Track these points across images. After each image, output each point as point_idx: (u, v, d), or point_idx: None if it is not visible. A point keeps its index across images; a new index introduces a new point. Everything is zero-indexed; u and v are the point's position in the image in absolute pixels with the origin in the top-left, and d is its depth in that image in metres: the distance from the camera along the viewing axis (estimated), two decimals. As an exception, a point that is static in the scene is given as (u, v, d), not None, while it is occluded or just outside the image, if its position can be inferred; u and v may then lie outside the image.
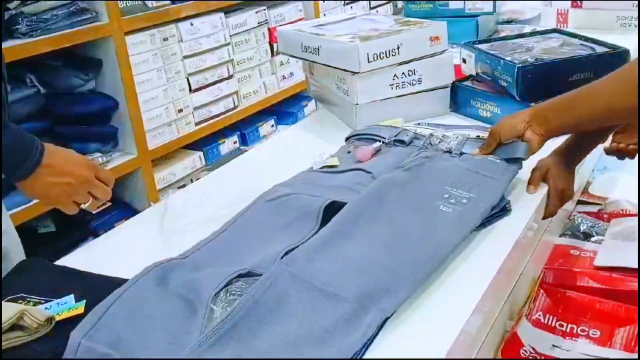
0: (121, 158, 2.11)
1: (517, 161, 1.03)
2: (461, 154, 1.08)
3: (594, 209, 1.46)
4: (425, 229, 0.90)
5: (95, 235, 1.97)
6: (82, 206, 1.06)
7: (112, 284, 0.82)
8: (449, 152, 1.09)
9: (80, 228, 2.08)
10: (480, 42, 1.50)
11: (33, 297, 0.84)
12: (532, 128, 1.01)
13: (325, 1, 3.07)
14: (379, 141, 1.20)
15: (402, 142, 1.17)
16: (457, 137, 1.11)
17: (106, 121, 2.12)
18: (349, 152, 1.22)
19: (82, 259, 1.00)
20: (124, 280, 0.82)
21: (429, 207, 0.94)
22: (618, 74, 0.95)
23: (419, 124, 1.32)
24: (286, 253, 0.85)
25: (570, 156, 1.09)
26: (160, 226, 1.06)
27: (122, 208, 2.17)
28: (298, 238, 0.89)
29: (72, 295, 0.83)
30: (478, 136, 1.11)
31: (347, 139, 1.29)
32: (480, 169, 1.02)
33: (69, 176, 1.01)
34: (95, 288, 0.83)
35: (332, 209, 0.94)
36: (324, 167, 1.17)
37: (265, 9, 2.67)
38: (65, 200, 1.03)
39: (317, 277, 0.78)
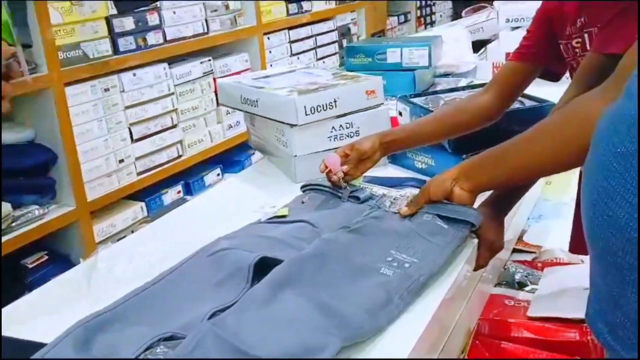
0: (58, 210, 2.05)
1: (466, 225, 1.02)
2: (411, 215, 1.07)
3: (529, 257, 1.49)
4: (363, 291, 0.88)
5: (30, 290, 1.90)
6: None
7: (29, 348, 0.78)
8: (399, 212, 1.08)
9: (15, 283, 1.99)
10: (415, 95, 1.54)
11: (-58, 365, 0.79)
12: (460, 184, 1.03)
13: (272, 52, 3.13)
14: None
15: (357, 198, 1.16)
16: (408, 198, 1.11)
17: (44, 173, 2.07)
18: (302, 202, 1.21)
19: (6, 318, 0.95)
20: (42, 345, 0.78)
21: (370, 270, 0.93)
22: (544, 128, 0.97)
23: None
24: (214, 314, 0.83)
25: (497, 208, 1.11)
26: (87, 286, 1.02)
27: (59, 262, 2.09)
28: (229, 298, 0.87)
29: (-16, 363, 0.79)
30: None
31: (303, 188, 1.27)
32: (428, 234, 1.02)
33: None
34: (11, 353, 0.79)
35: (268, 263, 0.93)
36: (273, 217, 1.16)
37: (210, 60, 2.69)
38: None
39: (244, 339, 0.76)
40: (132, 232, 2.26)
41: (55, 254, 2.13)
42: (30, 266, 2.07)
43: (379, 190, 1.19)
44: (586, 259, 1.40)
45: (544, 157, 0.95)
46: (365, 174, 1.34)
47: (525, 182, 1.14)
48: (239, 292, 0.88)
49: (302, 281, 0.89)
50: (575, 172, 1.46)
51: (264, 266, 0.92)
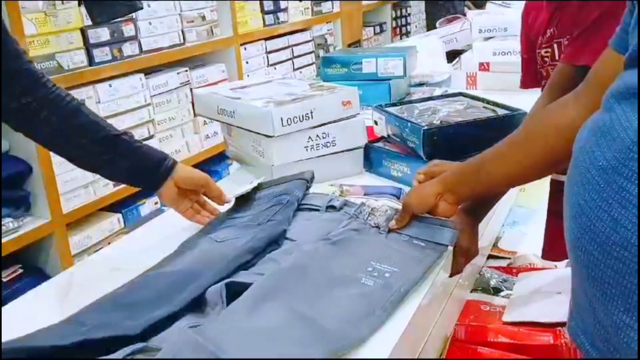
0: (33, 223, 2.03)
1: (442, 246, 1.03)
2: (389, 230, 1.08)
3: (504, 263, 1.51)
4: (344, 303, 0.89)
5: (4, 304, 1.87)
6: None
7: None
8: (377, 227, 1.09)
9: (-12, 298, 1.97)
10: (391, 105, 1.56)
11: None
12: (444, 199, 1.04)
13: (249, 63, 3.13)
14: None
15: (333, 207, 1.18)
16: (386, 211, 1.11)
17: (19, 186, 2.05)
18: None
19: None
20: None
21: (351, 280, 0.94)
22: (520, 137, 0.99)
23: (333, 184, 1.35)
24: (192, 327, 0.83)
25: (472, 215, 1.13)
26: (64, 299, 1.01)
27: (34, 275, 2.07)
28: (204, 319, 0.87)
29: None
30: None
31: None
32: (405, 248, 1.03)
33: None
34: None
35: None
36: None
37: (187, 70, 2.69)
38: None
39: (225, 350, 0.76)
40: (109, 243, 2.24)
41: (30, 267, 2.11)
42: (5, 280, 2.04)
43: (357, 199, 1.20)
44: (559, 264, 1.43)
45: (522, 167, 0.97)
46: (342, 183, 1.36)
47: (506, 189, 1.17)
48: (214, 313, 0.88)
49: (283, 293, 0.89)
50: (548, 179, 1.50)
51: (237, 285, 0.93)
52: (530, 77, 1.40)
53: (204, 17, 2.79)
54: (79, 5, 2.16)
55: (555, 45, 1.20)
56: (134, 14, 2.37)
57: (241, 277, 0.97)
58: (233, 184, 1.59)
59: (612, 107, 0.66)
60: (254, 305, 0.86)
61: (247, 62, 3.11)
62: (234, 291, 0.90)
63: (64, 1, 2.12)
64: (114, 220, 2.34)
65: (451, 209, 1.05)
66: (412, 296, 0.95)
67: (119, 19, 2.30)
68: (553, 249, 1.44)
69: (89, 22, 2.16)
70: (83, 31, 2.19)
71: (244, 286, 0.91)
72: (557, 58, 1.19)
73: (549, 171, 1.03)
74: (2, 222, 1.94)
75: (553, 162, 0.93)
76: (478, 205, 1.16)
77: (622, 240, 0.59)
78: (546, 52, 1.23)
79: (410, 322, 0.91)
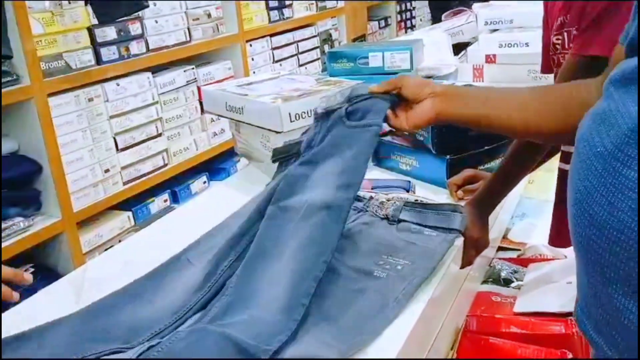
0: (44, 222, 2.04)
1: (453, 231, 1.03)
2: (399, 221, 1.08)
3: (514, 254, 1.52)
4: (358, 296, 0.89)
5: (16, 304, 1.88)
6: None
7: None
8: (387, 218, 1.10)
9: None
10: (398, 98, 1.56)
11: None
12: (434, 102, 0.94)
13: (255, 59, 3.14)
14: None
15: None
16: (395, 203, 1.11)
17: (28, 185, 2.06)
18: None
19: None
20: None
21: (364, 273, 0.95)
22: (538, 91, 0.94)
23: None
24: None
25: (482, 207, 1.13)
26: (75, 298, 1.02)
27: (45, 274, 2.08)
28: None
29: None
30: (416, 200, 1.13)
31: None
32: (417, 239, 1.03)
33: None
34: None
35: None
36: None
37: (193, 68, 2.70)
38: None
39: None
40: (120, 241, 2.26)
41: (42, 266, 2.12)
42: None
43: (366, 193, 1.21)
44: (568, 253, 1.43)
45: (522, 116, 0.92)
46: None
47: (490, 131, 1.03)
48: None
49: None
50: (556, 170, 1.49)
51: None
52: (549, 62, 1.39)
53: (209, 15, 2.80)
54: (86, 4, 2.17)
55: (565, 34, 1.20)
56: (140, 13, 2.38)
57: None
58: (244, 181, 1.60)
59: (611, 94, 0.67)
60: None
61: (252, 59, 3.11)
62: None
63: (71, 0, 2.13)
64: (125, 218, 2.35)
65: (433, 115, 0.94)
66: (423, 289, 0.96)
67: (126, 18, 2.31)
68: (559, 235, 1.44)
69: (96, 21, 2.17)
70: (90, 30, 2.20)
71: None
72: (567, 46, 1.19)
73: (542, 135, 0.95)
74: (13, 222, 1.96)
75: (555, 127, 0.88)
76: (487, 198, 1.16)
77: (620, 224, 0.61)
78: (557, 39, 1.23)
79: (422, 315, 0.91)
